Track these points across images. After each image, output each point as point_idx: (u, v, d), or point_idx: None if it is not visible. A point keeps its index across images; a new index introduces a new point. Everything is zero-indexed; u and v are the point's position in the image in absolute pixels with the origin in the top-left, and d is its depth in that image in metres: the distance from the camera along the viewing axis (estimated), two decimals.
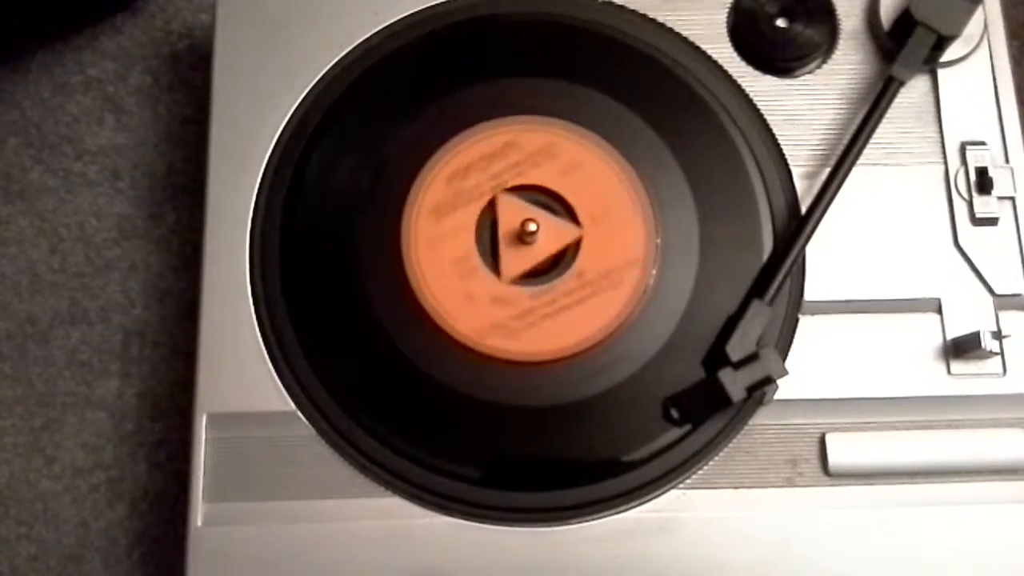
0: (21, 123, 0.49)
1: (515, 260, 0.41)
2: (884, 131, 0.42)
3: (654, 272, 0.41)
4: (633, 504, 0.39)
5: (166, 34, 0.50)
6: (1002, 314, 0.41)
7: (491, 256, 0.41)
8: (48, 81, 0.50)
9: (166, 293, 0.47)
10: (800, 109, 0.44)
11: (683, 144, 0.43)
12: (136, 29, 0.50)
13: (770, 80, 0.44)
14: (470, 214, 0.41)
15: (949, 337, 0.41)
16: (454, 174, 0.41)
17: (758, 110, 0.43)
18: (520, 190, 0.42)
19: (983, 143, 0.43)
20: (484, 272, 0.41)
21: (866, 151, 0.42)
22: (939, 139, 0.43)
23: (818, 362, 0.40)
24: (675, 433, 0.39)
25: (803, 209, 0.42)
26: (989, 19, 0.44)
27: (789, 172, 0.43)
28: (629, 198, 0.42)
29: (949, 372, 0.40)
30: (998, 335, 0.40)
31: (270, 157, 0.43)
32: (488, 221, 0.42)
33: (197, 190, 0.44)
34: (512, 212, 0.41)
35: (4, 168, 0.49)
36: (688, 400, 0.40)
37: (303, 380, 0.40)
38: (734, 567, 0.38)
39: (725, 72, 0.44)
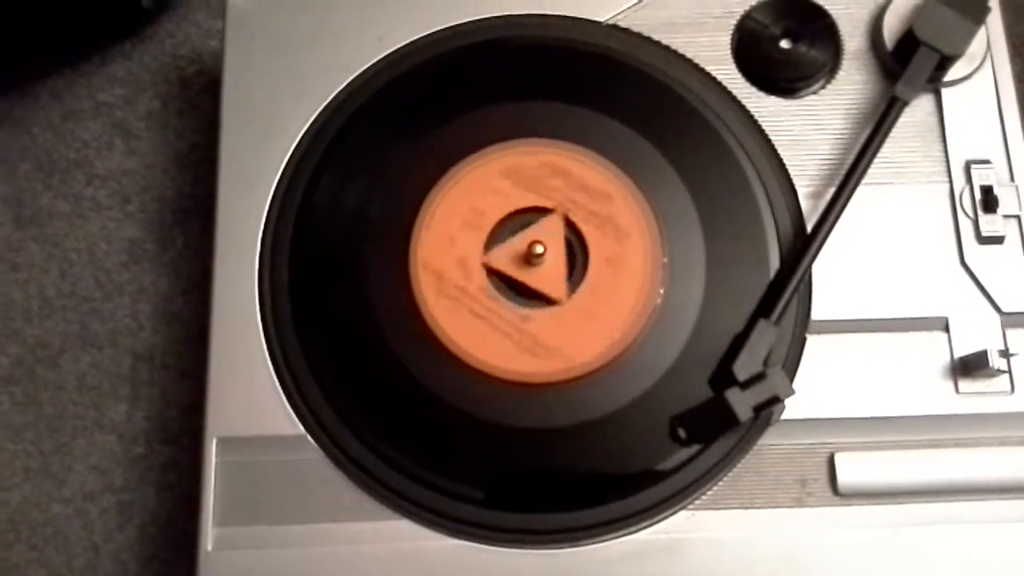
0: (32, 149, 0.50)
1: (505, 257, 0.41)
2: (889, 150, 0.42)
3: (661, 292, 0.41)
4: (642, 525, 0.39)
5: (175, 59, 0.51)
6: (1009, 332, 0.41)
7: (530, 296, 0.41)
8: (58, 107, 0.50)
9: (175, 317, 0.47)
10: (805, 129, 0.44)
11: (688, 165, 0.43)
12: (145, 55, 0.51)
13: (774, 101, 0.44)
14: (527, 197, 0.42)
15: (957, 355, 0.40)
16: (439, 278, 0.41)
17: (763, 130, 0.44)
18: (495, 232, 0.42)
19: (988, 161, 0.43)
20: (532, 311, 0.41)
21: (871, 170, 0.42)
22: (944, 158, 0.43)
23: (826, 381, 0.40)
24: (684, 454, 0.39)
25: (809, 229, 0.42)
26: (992, 38, 0.44)
27: (794, 192, 0.43)
28: (627, 204, 0.42)
29: (957, 391, 0.40)
30: (1006, 353, 0.40)
31: (279, 181, 0.43)
32: (498, 280, 0.41)
33: (206, 214, 0.44)
34: (550, 232, 0.41)
35: (15, 193, 0.49)
36: (695, 420, 0.40)
37: (312, 403, 0.40)
38: None
39: (729, 93, 0.44)
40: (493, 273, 0.41)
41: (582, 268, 0.42)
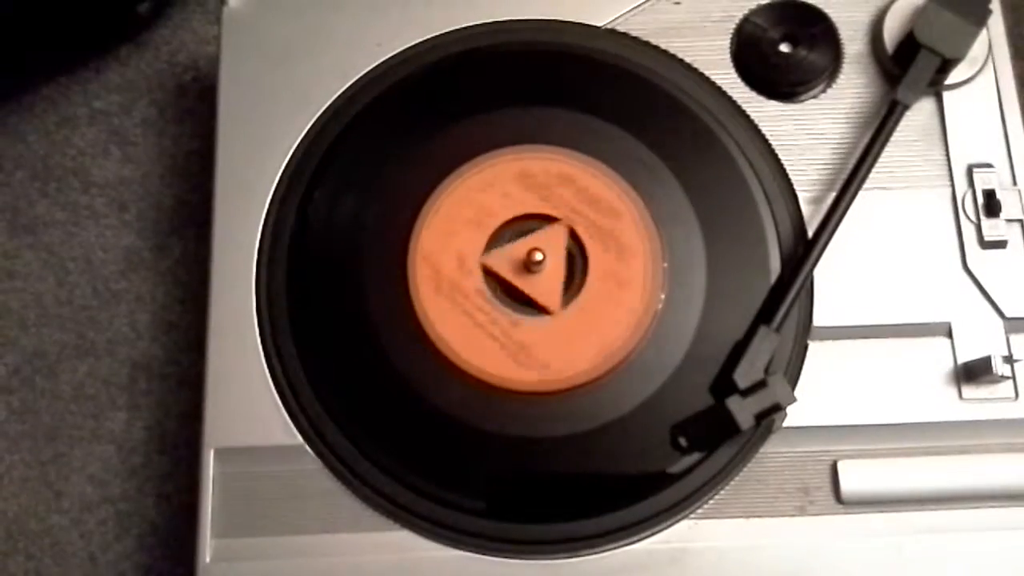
0: (27, 156, 0.49)
1: (503, 260, 0.41)
2: (890, 154, 0.42)
3: (662, 298, 0.41)
4: (644, 535, 0.38)
5: (171, 66, 0.51)
6: (1013, 337, 0.41)
7: (524, 303, 0.41)
8: (54, 114, 0.50)
9: (173, 325, 0.47)
10: (805, 134, 0.43)
11: (688, 170, 0.43)
12: (141, 62, 0.51)
13: (774, 105, 0.44)
14: (531, 203, 0.41)
15: (960, 361, 0.40)
16: (437, 276, 0.41)
17: (763, 135, 0.43)
18: (495, 237, 0.41)
19: (990, 165, 0.43)
20: (531, 319, 0.40)
21: (872, 175, 0.41)
22: (946, 162, 0.43)
23: (828, 388, 0.40)
24: (686, 462, 0.39)
25: (810, 234, 0.42)
26: (993, 41, 0.44)
27: (795, 197, 0.43)
28: (634, 223, 0.42)
29: (960, 397, 0.40)
30: (1009, 359, 0.40)
31: (276, 188, 0.43)
32: (495, 284, 0.41)
33: (203, 222, 0.44)
34: (507, 260, 0.41)
35: (11, 201, 0.49)
36: (696, 428, 0.39)
37: (310, 414, 0.40)
38: None
39: (729, 98, 0.44)
40: (490, 275, 0.41)
41: (580, 280, 0.41)
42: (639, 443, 0.39)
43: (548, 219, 0.42)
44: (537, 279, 0.41)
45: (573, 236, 0.42)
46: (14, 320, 0.47)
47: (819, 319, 0.41)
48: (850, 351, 0.41)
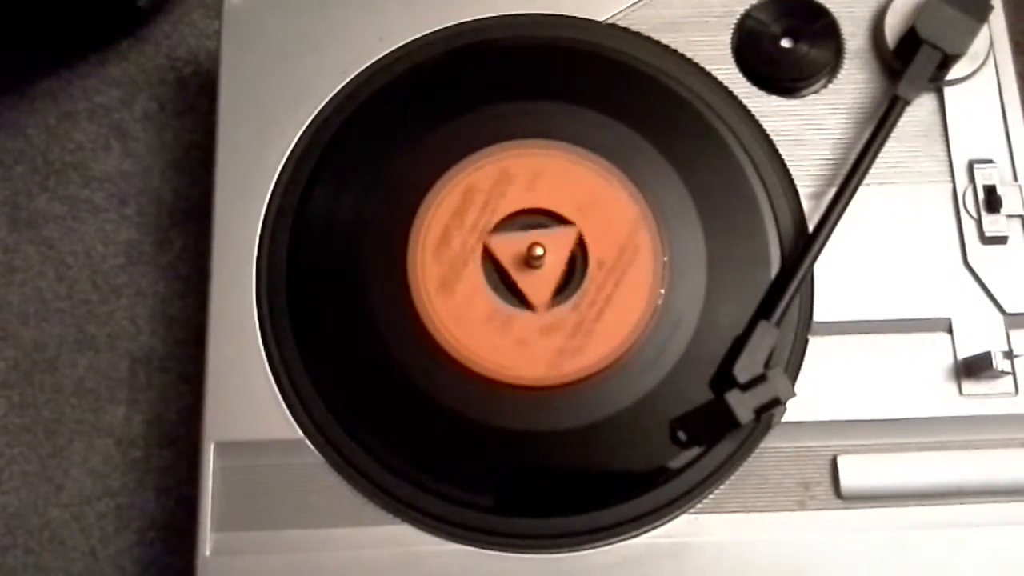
0: (27, 151, 0.49)
1: (539, 286, 0.41)
2: (891, 150, 0.42)
3: (662, 292, 0.41)
4: (644, 529, 0.38)
5: (171, 61, 0.51)
6: (1013, 333, 0.41)
7: (515, 296, 0.41)
8: (54, 108, 0.50)
9: (173, 319, 0.47)
10: (806, 129, 0.43)
11: (689, 165, 0.43)
12: (142, 56, 0.51)
13: (775, 100, 0.44)
14: (474, 271, 0.41)
15: (960, 357, 0.40)
16: (438, 241, 0.41)
17: (764, 130, 0.43)
18: (504, 223, 0.41)
19: (991, 161, 0.43)
20: (519, 313, 0.40)
21: (873, 170, 0.41)
22: (947, 157, 0.43)
23: (828, 383, 0.40)
24: (686, 457, 0.39)
25: (810, 229, 0.41)
26: (994, 36, 0.44)
27: (796, 192, 0.43)
28: (634, 218, 0.42)
29: (961, 392, 0.40)
30: (1009, 355, 0.40)
31: (276, 182, 0.43)
32: (492, 268, 0.41)
33: (204, 216, 0.44)
34: (509, 247, 0.41)
35: (11, 196, 0.49)
36: (695, 422, 0.39)
37: (311, 407, 0.40)
38: None
39: (730, 93, 0.44)
40: (489, 259, 0.41)
41: (579, 280, 0.41)
42: (639, 438, 0.39)
43: (551, 215, 0.42)
44: (533, 275, 0.41)
45: (579, 240, 0.41)
46: (14, 314, 0.47)
47: (819, 314, 0.41)
48: (850, 346, 0.41)
